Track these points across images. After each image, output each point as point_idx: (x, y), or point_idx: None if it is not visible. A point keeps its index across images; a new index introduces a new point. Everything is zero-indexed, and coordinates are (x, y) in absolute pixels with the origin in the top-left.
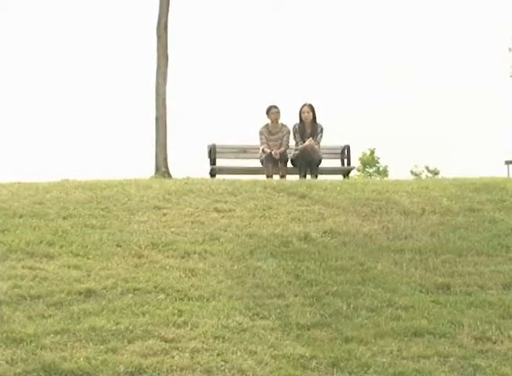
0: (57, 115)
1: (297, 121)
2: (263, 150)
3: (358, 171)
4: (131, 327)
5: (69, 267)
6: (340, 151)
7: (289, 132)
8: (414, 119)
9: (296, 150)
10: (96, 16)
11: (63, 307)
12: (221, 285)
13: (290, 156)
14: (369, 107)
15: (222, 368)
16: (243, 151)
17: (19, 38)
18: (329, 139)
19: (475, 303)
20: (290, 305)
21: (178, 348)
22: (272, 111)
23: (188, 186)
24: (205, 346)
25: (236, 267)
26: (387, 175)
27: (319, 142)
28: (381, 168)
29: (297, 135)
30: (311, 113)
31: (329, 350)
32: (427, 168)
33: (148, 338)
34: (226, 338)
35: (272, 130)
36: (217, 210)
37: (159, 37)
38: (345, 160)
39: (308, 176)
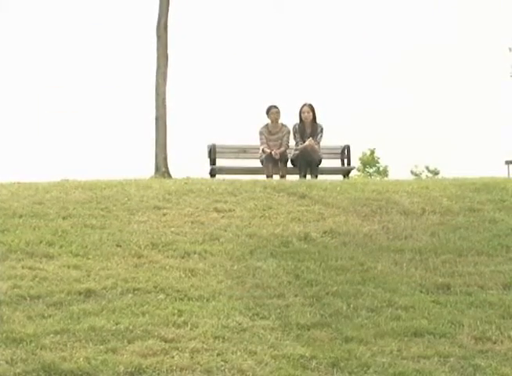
0: (57, 115)
1: (297, 120)
2: (263, 150)
3: (358, 171)
4: (130, 327)
5: (69, 267)
6: (340, 151)
7: (289, 132)
8: (414, 119)
9: (296, 149)
10: (96, 16)
11: (62, 307)
12: (221, 285)
13: (290, 156)
14: (369, 107)
15: (222, 368)
16: (243, 151)
17: (19, 38)
18: (329, 139)
19: (475, 303)
20: (290, 305)
21: (177, 349)
22: (272, 111)
23: (188, 186)
24: (205, 346)
25: (235, 267)
26: (387, 175)
27: (319, 142)
28: (381, 168)
29: (297, 135)
30: (311, 113)
31: (329, 350)
32: (427, 168)
33: (148, 338)
34: (226, 338)
35: (272, 130)
36: (217, 210)
37: (159, 37)
38: (345, 160)
39: (308, 176)
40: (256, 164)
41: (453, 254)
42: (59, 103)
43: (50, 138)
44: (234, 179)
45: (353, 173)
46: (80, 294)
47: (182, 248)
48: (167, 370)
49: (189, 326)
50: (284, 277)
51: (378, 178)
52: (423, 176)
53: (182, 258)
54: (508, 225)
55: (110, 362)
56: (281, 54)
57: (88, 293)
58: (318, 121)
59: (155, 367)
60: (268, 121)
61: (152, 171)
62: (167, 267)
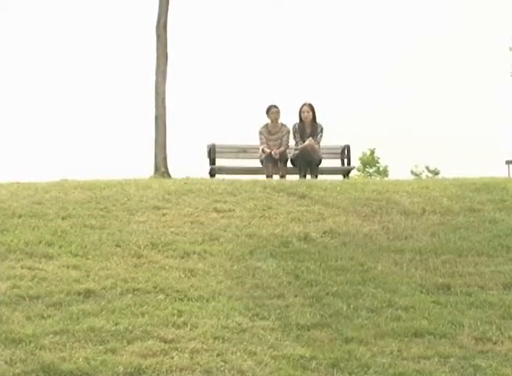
0: (56, 115)
1: (297, 120)
2: (263, 150)
3: (358, 171)
4: (130, 328)
5: (68, 267)
6: (340, 151)
7: (289, 132)
8: (414, 119)
9: (296, 149)
10: (96, 15)
11: (62, 307)
12: (220, 285)
13: (289, 156)
14: (369, 107)
15: (222, 369)
16: (242, 151)
17: (19, 38)
18: (329, 139)
19: (476, 303)
20: (290, 305)
21: (177, 349)
22: (272, 111)
23: (187, 185)
24: (205, 347)
25: (235, 267)
26: (387, 175)
27: (318, 142)
28: (381, 168)
29: (297, 135)
30: (311, 113)
31: (329, 351)
32: (427, 167)
33: (147, 339)
34: (226, 338)
35: (272, 130)
36: (216, 210)
37: (158, 36)
38: (345, 160)
39: (308, 176)
40: (256, 164)
41: (453, 255)
42: (58, 102)
43: (49, 138)
44: (234, 179)
45: (353, 173)
46: (79, 294)
47: (182, 248)
48: (166, 371)
49: (189, 326)
50: (284, 277)
51: (378, 178)
52: (424, 176)
53: (182, 258)
54: (508, 225)
55: (110, 362)
56: (281, 54)
57: (88, 293)
58: (318, 120)
59: (154, 368)
60: (268, 120)
61: (151, 171)
62: (167, 267)
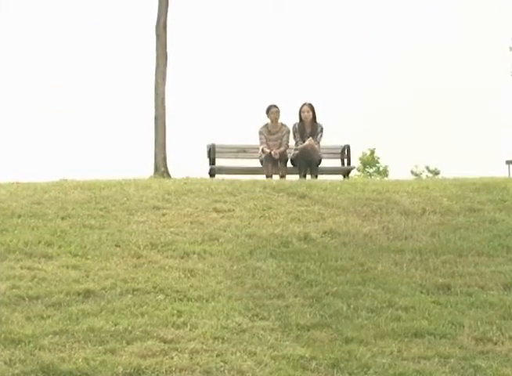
0: (56, 115)
1: (297, 120)
2: (262, 150)
3: (358, 171)
4: (129, 328)
5: (67, 267)
6: (340, 151)
7: (288, 132)
8: (414, 119)
9: (296, 149)
10: (95, 15)
11: (61, 308)
12: (220, 285)
13: (289, 156)
14: (369, 107)
15: (222, 369)
16: (242, 151)
17: (19, 38)
18: (329, 139)
19: (476, 304)
20: (290, 305)
21: (177, 349)
22: (272, 111)
23: (187, 186)
24: (204, 347)
25: (235, 267)
26: (387, 175)
27: (318, 142)
28: (381, 168)
29: (297, 135)
30: (311, 113)
31: (329, 351)
32: (427, 167)
33: (147, 339)
34: (226, 338)
35: (272, 130)
36: (216, 210)
37: (158, 36)
38: (345, 160)
39: (308, 176)
40: (255, 164)
41: (454, 255)
42: (58, 102)
43: (49, 138)
44: (233, 179)
45: (353, 173)
46: (79, 294)
47: (182, 248)
48: (166, 371)
49: (189, 326)
50: (284, 278)
51: (378, 178)
52: (424, 176)
53: (182, 258)
54: (509, 225)
55: (109, 363)
56: (281, 54)
57: (87, 293)
58: (318, 120)
59: (154, 368)
60: (268, 120)
61: (151, 171)
62: (167, 267)
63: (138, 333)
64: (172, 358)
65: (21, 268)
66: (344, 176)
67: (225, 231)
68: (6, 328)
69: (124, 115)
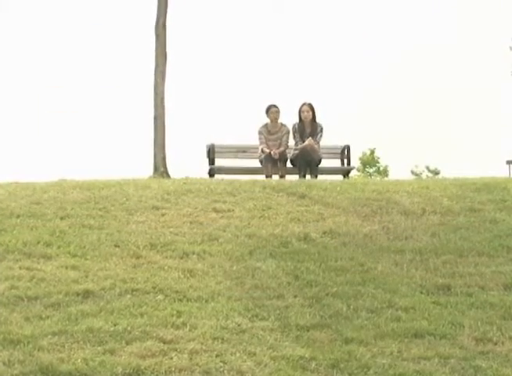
0: (56, 115)
1: (297, 120)
2: (262, 150)
3: (358, 171)
4: (129, 328)
5: (66, 268)
6: (340, 151)
7: (288, 132)
8: (414, 119)
9: (295, 149)
10: (95, 15)
11: (60, 308)
12: (220, 286)
13: (289, 156)
14: (369, 107)
15: (221, 369)
16: (242, 151)
17: (19, 38)
18: (329, 139)
19: (476, 304)
20: (290, 306)
21: (176, 350)
22: (272, 110)
23: (186, 186)
24: (204, 347)
25: (235, 268)
26: (387, 175)
27: (318, 142)
28: (381, 168)
29: (297, 135)
30: (310, 113)
31: (329, 351)
32: (427, 167)
33: (146, 339)
34: (225, 339)
35: (272, 129)
36: (216, 210)
37: (157, 35)
38: (345, 160)
39: (308, 176)
40: (255, 164)
41: (454, 255)
42: (57, 102)
43: (48, 137)
44: (233, 179)
45: (353, 173)
46: (78, 295)
47: (181, 249)
48: (165, 372)
49: (188, 327)
50: (284, 278)
51: (378, 178)
52: (424, 176)
53: (181, 258)
54: (509, 225)
55: (108, 363)
56: (281, 54)
57: (86, 294)
58: (317, 120)
59: (153, 369)
60: (268, 120)
61: (150, 171)
62: (166, 268)
63: (137, 333)
64: (172, 358)
65: (20, 268)
66: (344, 176)
67: (224, 231)
68: (5, 329)
69: (123, 115)
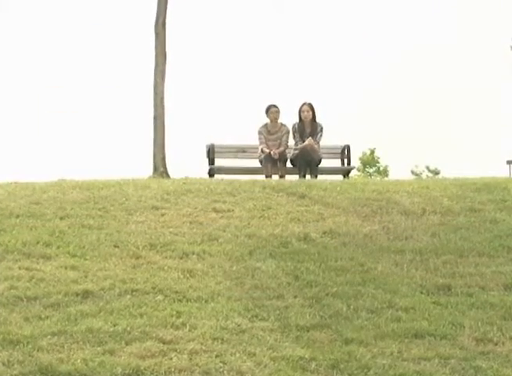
0: (56, 115)
1: (297, 120)
2: (262, 150)
3: (358, 171)
4: (128, 329)
5: (66, 268)
6: (340, 151)
7: (288, 132)
8: (414, 119)
9: (295, 149)
10: (95, 14)
11: (59, 308)
12: (219, 286)
13: (289, 156)
14: (369, 107)
15: (221, 370)
16: (241, 151)
17: (19, 38)
18: (329, 139)
19: (476, 304)
20: (290, 306)
21: (176, 350)
22: (272, 110)
23: (186, 186)
24: (204, 348)
25: (234, 268)
26: (387, 175)
27: (318, 142)
28: (381, 168)
29: (297, 135)
30: (310, 113)
31: (328, 352)
32: (427, 167)
33: (146, 340)
34: (225, 339)
35: (271, 129)
36: (215, 210)
37: (157, 34)
38: (345, 160)
39: (308, 176)
40: (255, 164)
41: (454, 255)
42: (57, 102)
43: (48, 137)
44: (233, 179)
45: (353, 173)
46: (77, 295)
47: (181, 249)
48: (165, 372)
49: (188, 327)
50: (283, 278)
51: (378, 178)
52: (424, 176)
53: (181, 258)
54: (509, 225)
55: (108, 364)
56: (281, 54)
57: (86, 294)
58: (317, 120)
59: (153, 369)
60: (268, 120)
61: (150, 170)
62: (166, 268)
63: (137, 334)
64: (171, 359)
65: (19, 268)
66: (344, 176)
67: (224, 231)
68: (4, 329)
69: (122, 115)
